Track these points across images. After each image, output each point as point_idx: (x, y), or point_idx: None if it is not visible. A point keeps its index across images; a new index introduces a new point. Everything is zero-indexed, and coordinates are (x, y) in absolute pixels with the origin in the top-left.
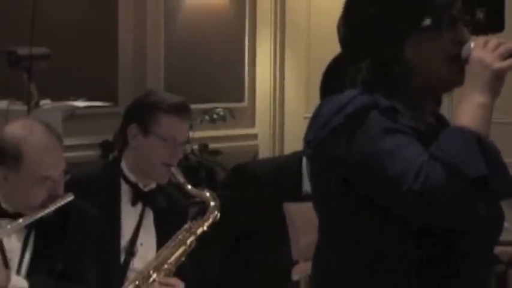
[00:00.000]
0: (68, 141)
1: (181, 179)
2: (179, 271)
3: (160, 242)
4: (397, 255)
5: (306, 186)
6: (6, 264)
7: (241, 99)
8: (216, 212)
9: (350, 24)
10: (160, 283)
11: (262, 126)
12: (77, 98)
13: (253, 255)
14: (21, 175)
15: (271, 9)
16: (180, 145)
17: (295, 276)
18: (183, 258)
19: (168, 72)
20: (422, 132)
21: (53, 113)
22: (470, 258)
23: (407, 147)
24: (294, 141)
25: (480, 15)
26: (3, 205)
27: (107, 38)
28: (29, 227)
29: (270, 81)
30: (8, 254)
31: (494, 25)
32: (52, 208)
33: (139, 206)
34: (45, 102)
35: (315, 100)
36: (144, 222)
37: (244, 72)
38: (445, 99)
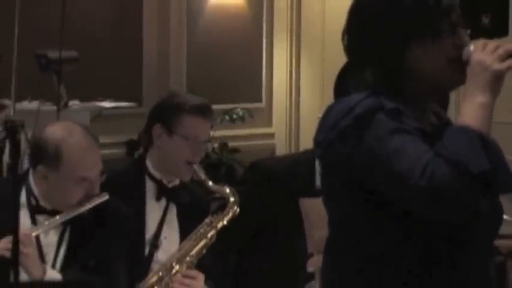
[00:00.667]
0: None
1: (202, 175)
2: (200, 263)
3: (183, 235)
4: (400, 250)
5: (319, 182)
6: (43, 259)
7: (259, 100)
8: (235, 207)
9: (354, 32)
10: (182, 275)
11: (278, 125)
12: (103, 99)
13: (270, 248)
14: (60, 174)
15: (287, 14)
16: (202, 144)
17: (310, 268)
18: (204, 251)
19: (190, 75)
20: (427, 132)
21: (81, 113)
22: (471, 251)
23: (413, 145)
24: (308, 140)
25: (485, 20)
26: (42, 202)
27: (132, 42)
28: (64, 224)
29: (286, 83)
30: (45, 249)
31: (499, 30)
32: (88, 207)
33: (163, 202)
34: (74, 103)
35: (329, 101)
36: (168, 216)
37: (262, 74)
38: (452, 100)
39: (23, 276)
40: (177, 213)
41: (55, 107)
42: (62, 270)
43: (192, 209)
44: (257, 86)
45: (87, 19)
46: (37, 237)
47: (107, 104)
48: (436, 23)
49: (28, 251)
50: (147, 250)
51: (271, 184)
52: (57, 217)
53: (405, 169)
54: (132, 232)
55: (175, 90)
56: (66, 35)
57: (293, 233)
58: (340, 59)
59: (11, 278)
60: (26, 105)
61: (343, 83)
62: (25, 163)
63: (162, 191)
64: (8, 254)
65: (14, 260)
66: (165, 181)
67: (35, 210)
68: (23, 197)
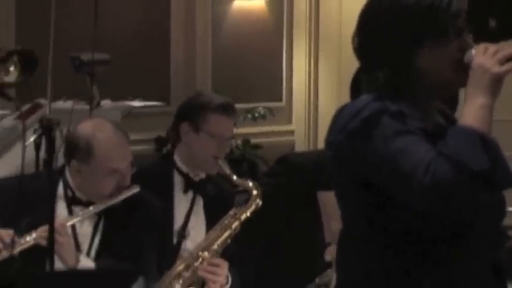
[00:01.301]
0: None
1: (227, 170)
2: (225, 252)
3: (209, 226)
4: (407, 245)
5: None
6: (78, 247)
7: (279, 99)
8: (258, 200)
9: (364, 35)
10: (207, 263)
11: (298, 123)
12: (133, 98)
13: (290, 238)
14: (91, 168)
15: (306, 18)
16: (227, 140)
17: (327, 257)
18: (229, 241)
19: (215, 75)
20: (430, 132)
21: (112, 112)
22: (474, 244)
23: (417, 146)
24: None
25: (492, 23)
26: (78, 194)
27: (161, 44)
28: (99, 215)
29: (305, 83)
30: (80, 238)
31: (506, 33)
32: (120, 198)
33: (190, 194)
34: (106, 102)
35: (345, 100)
36: (195, 208)
37: (282, 75)
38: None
39: (58, 264)
40: (203, 205)
41: (88, 106)
42: (96, 258)
43: (217, 201)
44: (278, 86)
45: (118, 24)
46: (73, 227)
47: (136, 103)
48: (445, 26)
49: (63, 240)
50: (175, 240)
51: (295, 177)
52: (91, 208)
53: (409, 168)
54: (161, 223)
55: (201, 90)
56: (98, 38)
57: (312, 224)
58: (355, 60)
59: (47, 266)
60: (61, 104)
61: (358, 84)
62: (60, 158)
63: (189, 184)
64: (44, 242)
65: (49, 249)
66: (191, 175)
67: (71, 202)
68: (61, 189)
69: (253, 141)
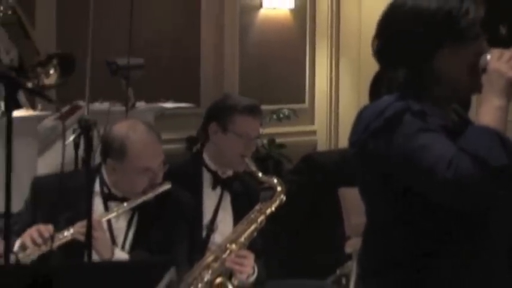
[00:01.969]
0: None
1: (253, 167)
2: (251, 245)
3: (236, 220)
4: (429, 238)
5: None
6: (113, 241)
7: (302, 101)
8: (282, 196)
9: (385, 38)
10: (235, 254)
11: (320, 123)
12: (166, 100)
13: (313, 231)
14: (125, 166)
15: (327, 25)
16: (253, 140)
17: (348, 250)
18: (255, 234)
19: (242, 79)
20: (449, 129)
21: (146, 113)
22: (492, 234)
23: (439, 142)
24: (347, 136)
25: (503, 30)
26: (113, 191)
27: (192, 50)
28: (133, 210)
29: (327, 86)
30: (116, 232)
31: None
32: (152, 194)
33: (218, 190)
34: (140, 104)
35: (365, 102)
36: (223, 203)
37: (305, 78)
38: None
39: (94, 258)
40: (230, 201)
41: (124, 108)
42: (131, 251)
43: (244, 197)
44: (301, 89)
45: (152, 30)
46: (109, 222)
47: (169, 105)
48: (463, 32)
49: (98, 235)
50: (204, 233)
51: (317, 175)
52: (125, 204)
53: (432, 163)
54: (191, 217)
55: (229, 92)
56: (134, 44)
57: (332, 219)
58: (375, 64)
59: (85, 258)
60: (98, 106)
61: (377, 86)
62: (97, 157)
63: (217, 181)
64: (81, 237)
65: (87, 243)
66: (219, 172)
67: (107, 198)
68: (97, 186)
69: (278, 140)
